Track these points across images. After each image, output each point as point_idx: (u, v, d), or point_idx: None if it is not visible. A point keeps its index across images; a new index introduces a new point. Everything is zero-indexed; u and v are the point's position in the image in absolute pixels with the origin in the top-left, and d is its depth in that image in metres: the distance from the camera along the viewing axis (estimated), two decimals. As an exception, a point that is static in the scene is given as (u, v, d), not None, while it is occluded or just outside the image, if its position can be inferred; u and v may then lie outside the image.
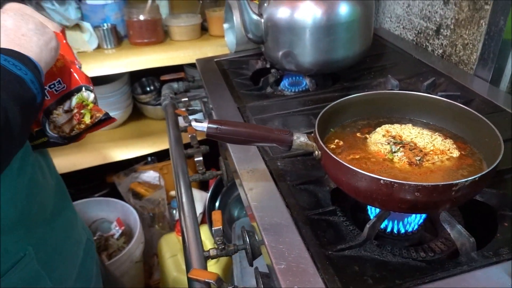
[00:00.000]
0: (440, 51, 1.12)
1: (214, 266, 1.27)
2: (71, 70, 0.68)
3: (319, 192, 0.64)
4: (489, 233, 0.56)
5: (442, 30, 1.10)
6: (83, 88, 0.67)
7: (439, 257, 0.55)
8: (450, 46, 1.09)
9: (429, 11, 1.14)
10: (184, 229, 0.71)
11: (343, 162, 0.51)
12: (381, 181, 0.48)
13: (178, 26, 1.43)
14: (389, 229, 0.61)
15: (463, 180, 0.46)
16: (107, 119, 0.68)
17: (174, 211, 1.62)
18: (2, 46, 0.52)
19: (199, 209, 1.42)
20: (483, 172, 0.47)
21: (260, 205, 0.60)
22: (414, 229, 0.61)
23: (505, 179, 0.63)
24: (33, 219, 0.66)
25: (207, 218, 1.34)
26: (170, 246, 1.40)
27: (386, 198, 0.49)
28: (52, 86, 0.65)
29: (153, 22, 1.36)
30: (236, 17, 1.09)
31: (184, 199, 0.77)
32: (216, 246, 0.65)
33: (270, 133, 0.57)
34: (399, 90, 0.94)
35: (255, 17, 0.97)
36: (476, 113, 0.59)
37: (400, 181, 0.47)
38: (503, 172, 0.64)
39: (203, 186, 1.65)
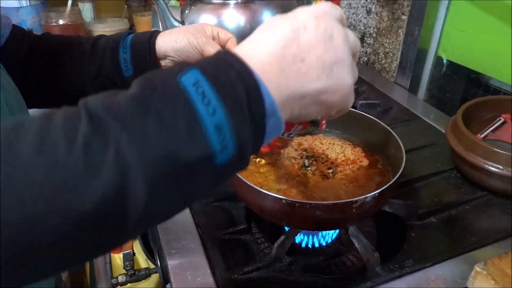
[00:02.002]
0: (365, 58, 1.15)
1: (146, 283, 1.21)
2: None
3: (234, 209, 0.62)
4: (398, 244, 0.57)
5: (366, 38, 1.13)
6: None
7: (350, 271, 0.55)
8: (373, 54, 1.11)
9: (354, 19, 1.16)
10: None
11: (247, 182, 0.49)
12: (283, 201, 0.46)
13: (103, 31, 1.35)
14: (303, 244, 0.59)
15: (363, 197, 0.45)
16: None
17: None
18: (256, 58, 0.28)
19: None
20: (383, 188, 0.47)
21: (168, 227, 0.57)
22: (329, 242, 0.60)
23: (414, 188, 0.65)
24: None
25: (138, 232, 1.28)
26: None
27: (291, 217, 0.48)
28: (290, 134, 0.42)
29: (75, 27, 1.27)
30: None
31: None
32: (125, 272, 0.61)
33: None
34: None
35: (176, 23, 0.93)
36: (384, 124, 0.60)
37: (301, 200, 0.46)
38: (413, 181, 0.66)
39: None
